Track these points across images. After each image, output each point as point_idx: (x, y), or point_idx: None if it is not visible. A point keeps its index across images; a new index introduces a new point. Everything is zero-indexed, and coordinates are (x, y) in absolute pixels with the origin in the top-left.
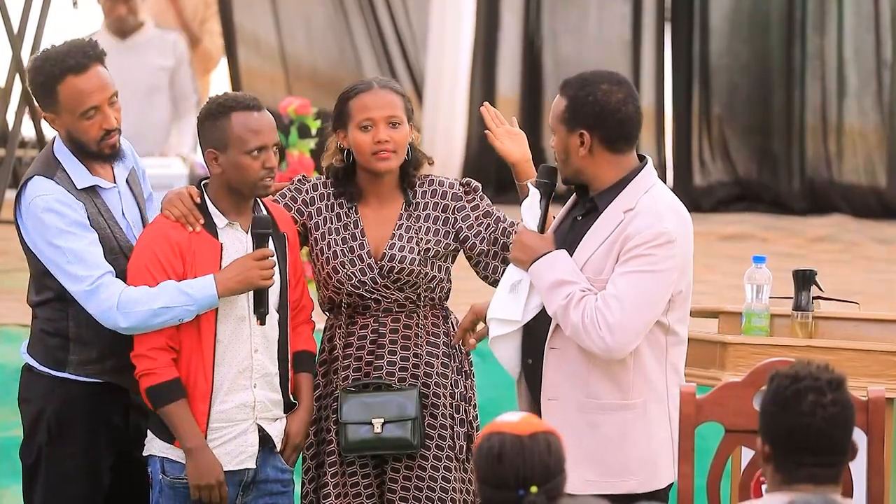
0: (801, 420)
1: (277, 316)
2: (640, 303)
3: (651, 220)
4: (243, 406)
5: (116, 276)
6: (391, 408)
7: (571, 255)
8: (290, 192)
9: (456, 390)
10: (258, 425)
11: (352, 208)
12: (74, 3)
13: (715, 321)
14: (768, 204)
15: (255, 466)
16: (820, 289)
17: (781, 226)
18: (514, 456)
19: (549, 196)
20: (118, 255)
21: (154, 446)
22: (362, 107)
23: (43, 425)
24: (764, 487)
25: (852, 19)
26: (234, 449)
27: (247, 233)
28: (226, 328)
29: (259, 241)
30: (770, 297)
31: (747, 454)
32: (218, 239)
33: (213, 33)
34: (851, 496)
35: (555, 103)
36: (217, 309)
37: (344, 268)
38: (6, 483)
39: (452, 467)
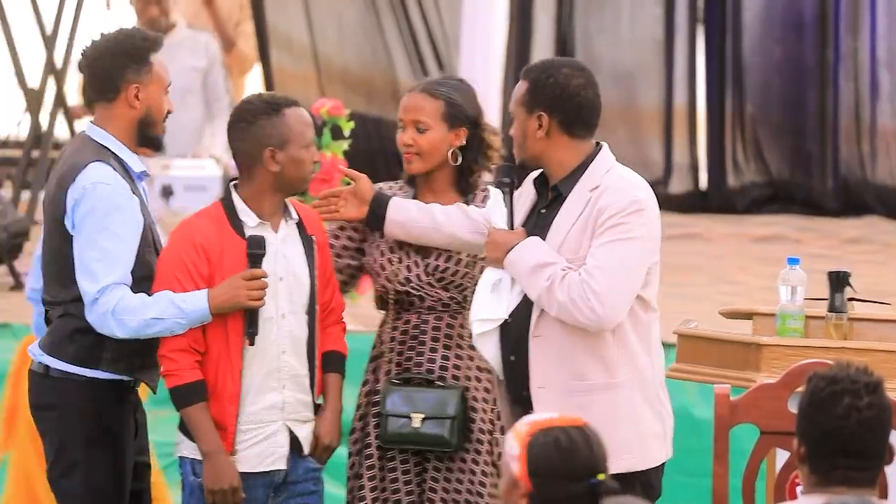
0: (836, 422)
1: (306, 317)
2: (622, 270)
3: (621, 192)
4: (272, 407)
5: (151, 273)
6: (432, 404)
7: (546, 242)
8: None
9: (489, 395)
10: (287, 427)
11: None
12: (108, 5)
13: (748, 322)
14: (801, 205)
15: (285, 467)
16: (854, 290)
17: (815, 227)
18: (582, 446)
19: (513, 193)
20: (152, 250)
21: (185, 448)
22: (400, 107)
23: (79, 430)
24: (799, 489)
25: (885, 20)
26: (264, 450)
27: (276, 232)
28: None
29: (252, 262)
30: (804, 299)
31: (782, 456)
32: (245, 239)
33: (247, 35)
34: (887, 498)
35: (516, 88)
36: (245, 311)
37: (391, 264)
38: None
39: (489, 472)
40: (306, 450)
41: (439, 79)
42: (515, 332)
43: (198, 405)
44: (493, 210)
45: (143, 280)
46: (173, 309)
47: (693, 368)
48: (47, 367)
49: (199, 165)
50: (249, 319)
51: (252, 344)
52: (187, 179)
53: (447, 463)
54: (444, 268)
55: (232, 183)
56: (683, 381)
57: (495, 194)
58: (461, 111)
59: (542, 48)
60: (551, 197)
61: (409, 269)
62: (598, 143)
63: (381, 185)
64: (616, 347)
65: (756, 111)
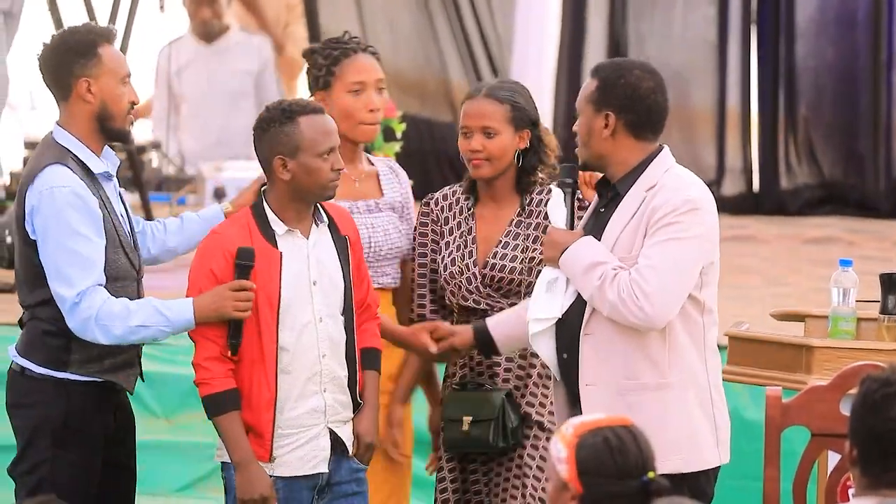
0: (888, 425)
1: (343, 319)
2: (674, 269)
3: (675, 191)
4: (314, 411)
5: (117, 274)
6: (477, 407)
7: (601, 241)
8: (420, 218)
9: (546, 400)
10: (329, 429)
11: (471, 212)
12: (161, 7)
13: (800, 324)
14: (854, 206)
15: (327, 470)
16: None
17: (867, 229)
18: (631, 445)
19: (574, 194)
20: (119, 249)
21: (226, 453)
22: (464, 114)
23: (47, 430)
24: (851, 492)
25: None
26: (306, 454)
27: (306, 238)
28: (290, 336)
29: (240, 273)
30: (856, 301)
31: (834, 458)
32: (277, 248)
33: (296, 38)
34: None
35: (585, 85)
36: (277, 317)
37: (454, 278)
38: None
39: (531, 475)
40: (351, 450)
41: (498, 83)
42: (569, 330)
43: (230, 414)
44: (553, 210)
45: (107, 280)
46: (158, 317)
47: (744, 370)
48: (23, 367)
49: (251, 167)
50: (233, 329)
51: (234, 354)
52: (240, 181)
53: (492, 465)
54: (499, 277)
55: (262, 189)
56: (735, 382)
57: (557, 194)
58: (525, 114)
59: (595, 50)
60: (609, 196)
61: (469, 281)
62: (660, 145)
63: (438, 193)
64: (666, 348)
65: (809, 112)
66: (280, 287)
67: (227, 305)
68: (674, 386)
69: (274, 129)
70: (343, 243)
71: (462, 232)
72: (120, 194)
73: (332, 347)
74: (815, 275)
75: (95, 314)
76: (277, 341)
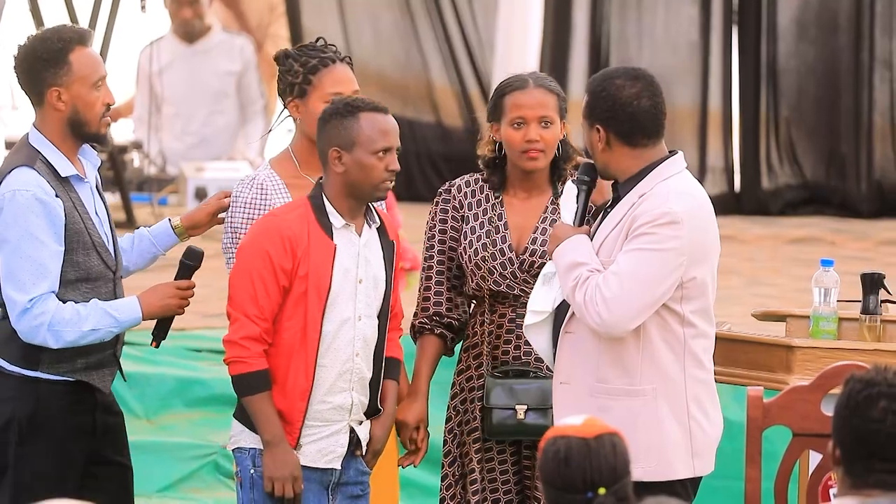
0: (871, 425)
1: (378, 321)
2: (638, 280)
3: (659, 202)
4: (340, 408)
5: (88, 275)
6: (534, 395)
7: (593, 241)
8: (440, 204)
9: None
10: (350, 426)
11: (498, 199)
12: (143, 7)
13: (782, 324)
14: (836, 207)
15: (340, 468)
16: (888, 292)
17: (849, 229)
18: (580, 458)
19: (588, 193)
20: (90, 251)
21: (244, 439)
22: (515, 104)
23: (13, 426)
24: (832, 492)
25: None
26: (325, 447)
27: (359, 236)
28: (330, 329)
29: (182, 272)
30: (838, 301)
31: (815, 458)
32: (333, 240)
33: (277, 38)
34: None
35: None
36: (325, 308)
37: (486, 262)
38: None
39: None
40: (365, 450)
41: (537, 74)
42: (557, 326)
43: (263, 393)
44: (564, 204)
45: (77, 282)
46: (107, 319)
47: (726, 370)
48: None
49: (233, 168)
50: (161, 325)
51: (157, 346)
52: (221, 182)
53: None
54: (539, 263)
55: (319, 180)
56: (716, 382)
57: (570, 188)
58: (566, 103)
59: (578, 51)
60: (614, 198)
61: (503, 266)
62: (672, 151)
63: (458, 180)
64: (639, 355)
65: (790, 113)
66: (331, 279)
67: (174, 304)
68: (645, 393)
69: (335, 121)
70: (390, 247)
71: (490, 218)
72: (100, 193)
73: (365, 347)
74: (796, 275)
75: (49, 321)
76: (321, 332)
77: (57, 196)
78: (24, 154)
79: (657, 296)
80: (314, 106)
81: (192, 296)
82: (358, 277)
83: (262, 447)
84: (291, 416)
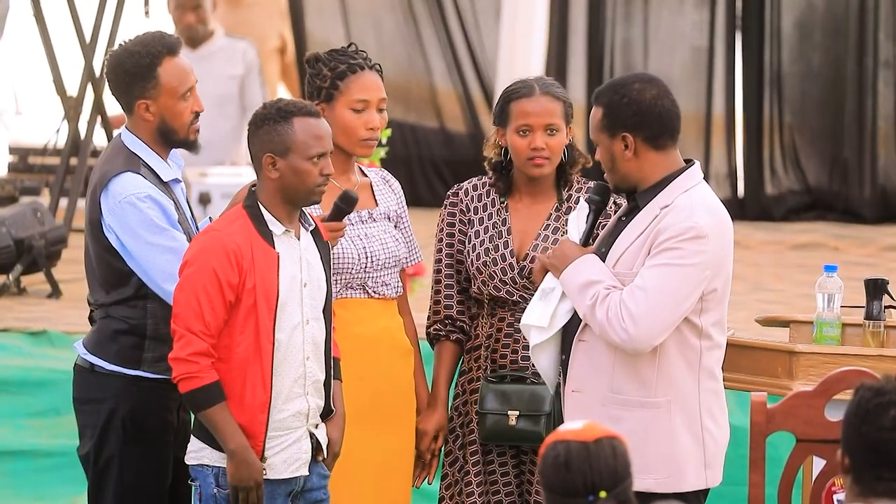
0: (881, 434)
1: (324, 322)
2: (665, 295)
3: (683, 216)
4: (299, 414)
5: None
6: (526, 401)
7: (609, 251)
8: (448, 207)
9: None
10: (309, 431)
11: (504, 204)
12: (146, 13)
13: (785, 330)
14: (839, 212)
15: (307, 473)
16: (892, 298)
17: (852, 234)
18: (580, 463)
19: (598, 213)
20: None
21: (206, 456)
22: (521, 112)
23: (117, 425)
24: (836, 498)
25: None
26: (290, 456)
27: (298, 240)
28: (282, 337)
29: (336, 214)
30: (841, 306)
31: (818, 464)
32: (275, 248)
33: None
34: None
35: (591, 115)
36: (275, 317)
37: (487, 268)
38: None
39: None
40: (325, 453)
41: (543, 79)
42: (570, 332)
43: (221, 404)
44: (573, 221)
45: None
46: None
47: (729, 376)
48: (92, 364)
49: (236, 173)
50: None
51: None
52: (224, 187)
53: (524, 458)
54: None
55: (252, 188)
56: None
57: (582, 207)
58: (572, 109)
59: (581, 56)
60: (631, 207)
61: (504, 272)
62: (690, 161)
63: (465, 183)
64: (655, 368)
65: (794, 118)
66: (278, 288)
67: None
68: (660, 406)
69: (267, 126)
70: (326, 248)
71: (494, 223)
72: (186, 197)
73: (315, 350)
74: (799, 280)
75: None
76: (274, 341)
77: (168, 197)
78: (124, 158)
79: (683, 311)
80: (340, 111)
81: (341, 237)
82: (303, 282)
83: (225, 465)
84: (253, 430)
